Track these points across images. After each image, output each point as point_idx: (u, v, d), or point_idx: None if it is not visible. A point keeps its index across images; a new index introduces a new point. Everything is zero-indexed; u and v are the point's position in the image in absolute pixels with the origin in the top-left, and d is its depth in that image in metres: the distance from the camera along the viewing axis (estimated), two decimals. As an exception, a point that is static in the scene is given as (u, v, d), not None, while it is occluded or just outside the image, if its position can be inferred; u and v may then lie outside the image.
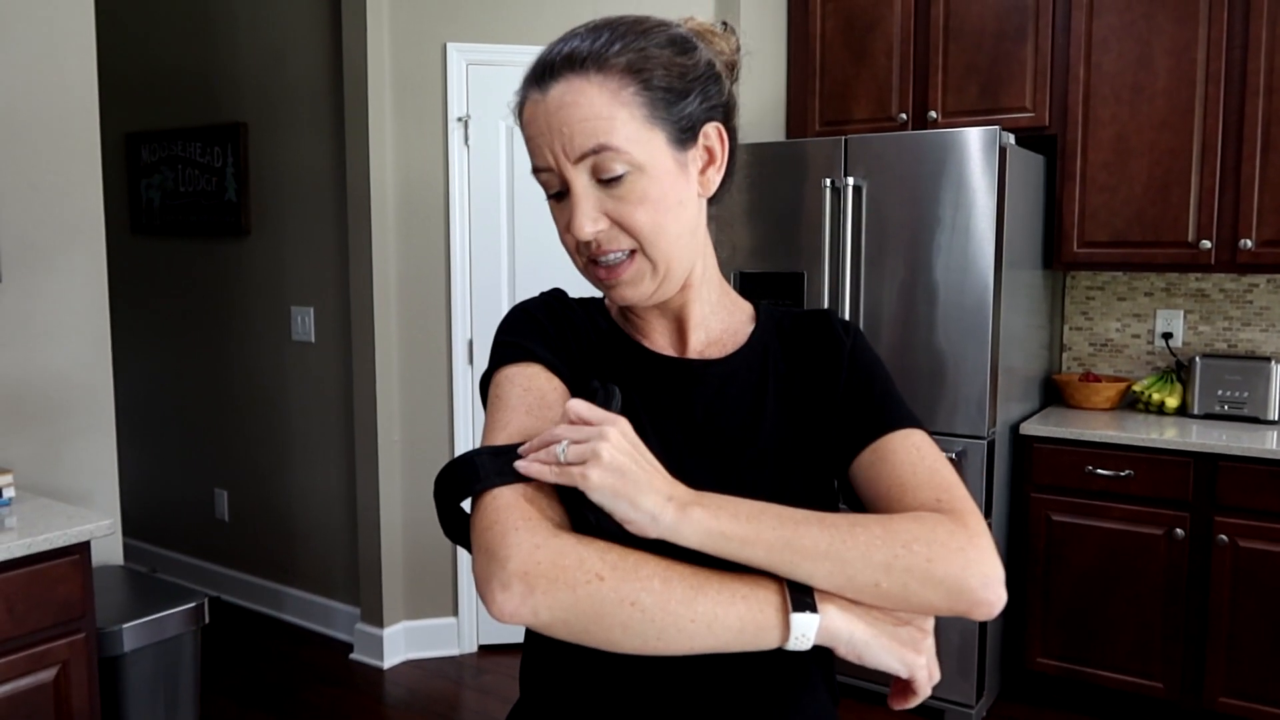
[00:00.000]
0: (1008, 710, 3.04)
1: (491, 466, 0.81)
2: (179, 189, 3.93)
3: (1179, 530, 2.79)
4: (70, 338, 2.55)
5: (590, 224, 0.86)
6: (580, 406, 0.80)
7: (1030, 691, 3.13)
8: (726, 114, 0.93)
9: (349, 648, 3.51)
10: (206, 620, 2.44)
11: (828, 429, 0.94)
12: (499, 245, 3.33)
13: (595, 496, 0.77)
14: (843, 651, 0.79)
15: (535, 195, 3.30)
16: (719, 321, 0.99)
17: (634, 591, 0.75)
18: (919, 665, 0.81)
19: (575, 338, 0.96)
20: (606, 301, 1.02)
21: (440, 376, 3.35)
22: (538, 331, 0.94)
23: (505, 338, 0.95)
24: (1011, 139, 2.85)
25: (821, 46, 3.46)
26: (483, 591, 0.77)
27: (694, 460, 0.89)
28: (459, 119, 3.25)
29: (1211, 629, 2.77)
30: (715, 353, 0.97)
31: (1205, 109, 2.91)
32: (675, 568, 0.77)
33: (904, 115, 3.32)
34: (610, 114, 0.84)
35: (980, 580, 0.78)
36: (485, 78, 3.25)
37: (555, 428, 0.80)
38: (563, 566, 0.75)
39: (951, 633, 2.89)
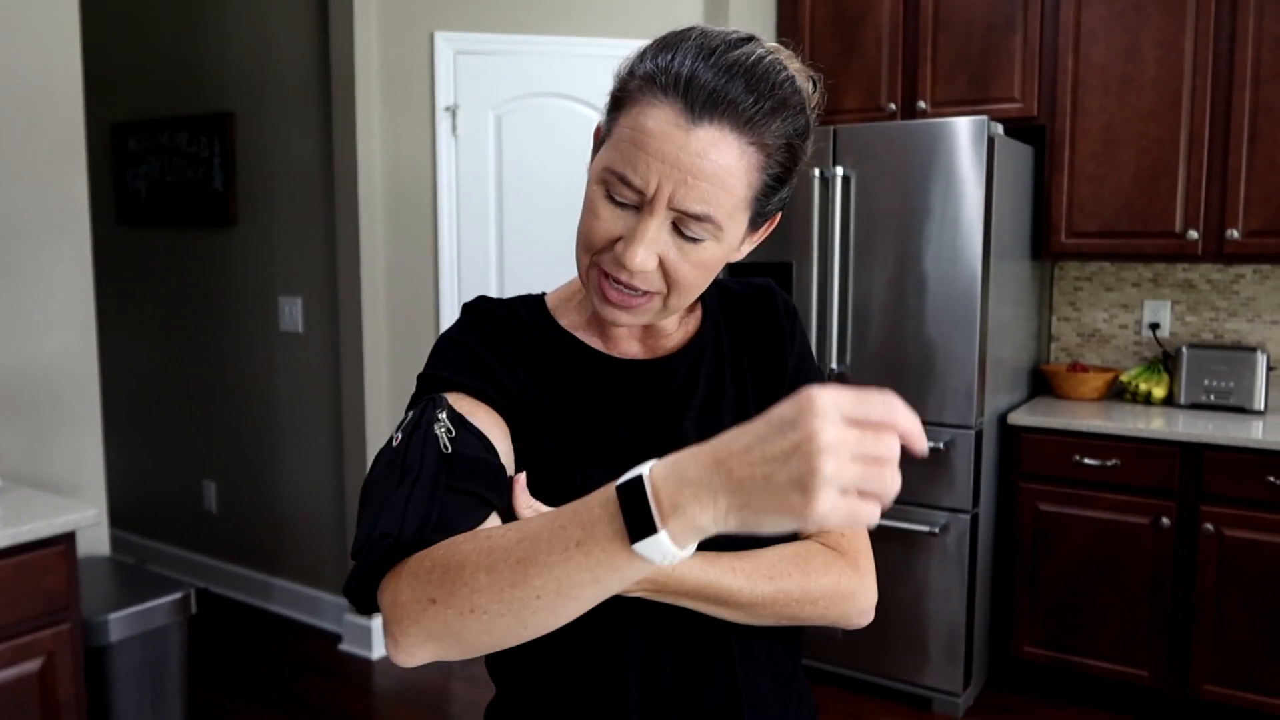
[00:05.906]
0: (995, 698, 3.06)
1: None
2: (166, 179, 3.91)
3: (1165, 519, 2.81)
4: (56, 328, 2.54)
5: (644, 259, 0.81)
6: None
7: (1017, 680, 3.14)
8: (784, 205, 0.91)
9: (338, 638, 3.51)
10: (194, 611, 2.44)
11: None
12: (487, 235, 3.32)
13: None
14: (736, 527, 0.62)
15: (523, 185, 3.29)
16: (678, 317, 0.98)
17: (467, 599, 0.69)
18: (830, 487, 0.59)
19: (517, 353, 0.92)
20: (548, 298, 0.98)
21: (429, 367, 3.33)
22: (467, 361, 0.90)
23: (428, 371, 0.92)
24: (1000, 129, 2.85)
25: (811, 37, 3.46)
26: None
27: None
28: (447, 108, 3.23)
29: (1197, 617, 2.79)
30: (672, 344, 0.97)
31: (1193, 100, 2.92)
32: (498, 543, 0.69)
33: (893, 105, 3.32)
34: (734, 190, 0.80)
35: (859, 613, 0.93)
36: (473, 67, 3.24)
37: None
38: (402, 604, 0.72)
39: (940, 622, 2.91)
